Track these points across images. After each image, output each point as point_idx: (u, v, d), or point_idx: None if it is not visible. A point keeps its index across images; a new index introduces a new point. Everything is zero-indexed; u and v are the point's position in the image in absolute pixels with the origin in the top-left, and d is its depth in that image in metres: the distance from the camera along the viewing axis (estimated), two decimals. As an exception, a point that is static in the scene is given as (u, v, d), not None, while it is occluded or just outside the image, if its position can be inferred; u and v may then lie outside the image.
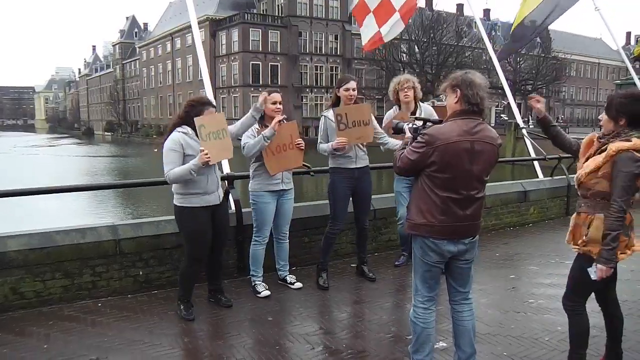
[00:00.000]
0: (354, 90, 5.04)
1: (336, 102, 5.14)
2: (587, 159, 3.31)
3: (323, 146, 5.14)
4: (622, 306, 4.66)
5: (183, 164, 4.19)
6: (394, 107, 5.71)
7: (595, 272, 3.14)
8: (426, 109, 5.55)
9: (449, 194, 3.05)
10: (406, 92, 5.47)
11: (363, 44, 9.27)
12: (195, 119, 4.21)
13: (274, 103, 4.83)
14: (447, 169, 3.02)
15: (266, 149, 4.76)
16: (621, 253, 3.19)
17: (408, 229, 3.24)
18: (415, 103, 5.59)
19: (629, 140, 3.09)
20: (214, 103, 4.60)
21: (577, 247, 3.31)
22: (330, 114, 5.11)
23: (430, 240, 3.11)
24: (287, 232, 5.20)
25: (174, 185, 4.35)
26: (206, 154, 4.11)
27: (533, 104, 3.63)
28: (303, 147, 5.00)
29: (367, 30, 8.90)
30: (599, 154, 3.20)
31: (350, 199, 5.28)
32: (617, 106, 3.19)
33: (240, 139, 4.79)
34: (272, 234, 5.15)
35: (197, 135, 4.21)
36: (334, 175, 5.19)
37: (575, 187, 3.38)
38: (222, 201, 4.52)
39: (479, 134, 3.04)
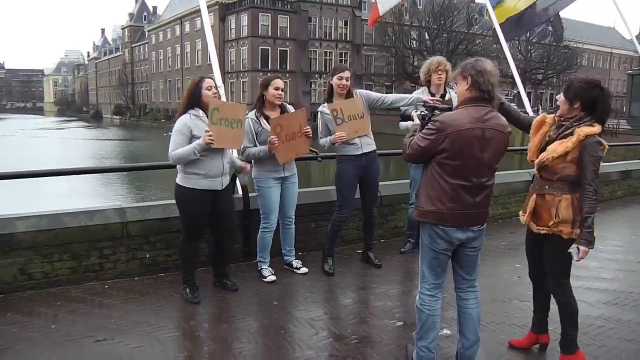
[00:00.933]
0: (347, 80, 4.99)
1: (331, 91, 5.12)
2: (543, 141, 3.40)
3: (322, 140, 5.17)
4: (628, 298, 4.68)
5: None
6: (422, 88, 5.63)
7: (577, 253, 3.21)
8: (453, 95, 5.49)
9: (459, 181, 3.04)
10: (440, 74, 5.44)
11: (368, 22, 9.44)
12: (211, 100, 4.22)
13: (277, 89, 4.83)
14: (458, 156, 3.02)
15: (277, 138, 4.74)
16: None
17: (417, 216, 3.25)
18: (445, 87, 5.57)
19: (593, 126, 3.20)
20: (222, 87, 4.60)
21: (547, 228, 3.37)
22: (325, 109, 5.08)
23: (440, 228, 3.11)
24: (293, 217, 5.21)
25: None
26: (210, 136, 4.12)
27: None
28: (311, 135, 4.98)
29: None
30: (562, 137, 3.27)
31: (358, 186, 5.27)
32: (575, 90, 3.26)
33: None
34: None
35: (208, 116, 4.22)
36: (340, 163, 5.18)
37: (535, 169, 3.42)
38: (225, 188, 4.48)
39: (490, 122, 3.04)
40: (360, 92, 5.18)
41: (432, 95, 5.36)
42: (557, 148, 3.25)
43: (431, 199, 3.12)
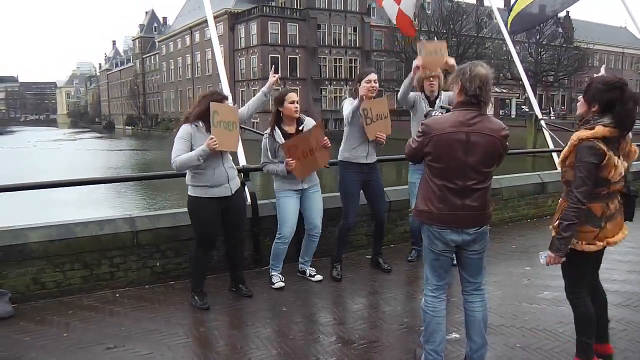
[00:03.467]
0: (375, 82, 5.06)
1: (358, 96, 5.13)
2: None
3: (348, 107, 5.07)
4: (631, 298, 4.64)
5: None
6: (418, 92, 5.59)
7: (545, 257, 3.16)
8: (448, 96, 5.46)
9: (444, 183, 3.09)
10: (431, 81, 5.42)
11: (394, 22, 8.93)
12: (211, 103, 4.26)
13: (292, 102, 4.86)
14: (440, 159, 3.08)
15: (293, 158, 4.76)
16: (589, 244, 3.16)
17: (414, 215, 3.33)
18: (438, 91, 5.53)
19: (592, 128, 3.02)
20: (229, 96, 4.64)
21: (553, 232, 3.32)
22: (277, 132, 4.94)
23: (434, 229, 3.16)
24: (321, 229, 5.15)
25: (186, 177, 4.44)
26: (214, 140, 4.16)
27: None
28: (329, 145, 4.98)
29: (390, 10, 8.71)
30: None
31: (363, 193, 5.30)
32: (593, 91, 3.11)
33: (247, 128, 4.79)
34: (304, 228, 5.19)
35: (207, 129, 4.27)
36: (343, 170, 5.20)
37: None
38: (235, 193, 4.53)
39: (476, 126, 3.05)
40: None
41: (427, 98, 5.42)
42: (563, 153, 3.22)
43: (424, 199, 3.18)
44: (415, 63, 4.95)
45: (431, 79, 5.40)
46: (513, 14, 10.48)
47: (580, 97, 3.26)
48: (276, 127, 4.93)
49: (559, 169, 3.29)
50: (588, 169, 3.00)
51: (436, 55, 5.06)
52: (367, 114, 4.98)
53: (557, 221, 3.13)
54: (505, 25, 10.37)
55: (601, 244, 3.20)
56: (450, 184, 3.08)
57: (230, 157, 4.59)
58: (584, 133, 3.03)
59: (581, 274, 3.32)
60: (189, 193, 4.45)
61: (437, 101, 5.42)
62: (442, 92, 5.54)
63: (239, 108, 4.71)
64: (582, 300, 3.36)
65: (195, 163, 4.25)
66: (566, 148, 3.15)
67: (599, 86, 3.08)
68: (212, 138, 4.19)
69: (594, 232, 3.16)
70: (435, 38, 53.64)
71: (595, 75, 3.26)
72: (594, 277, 3.49)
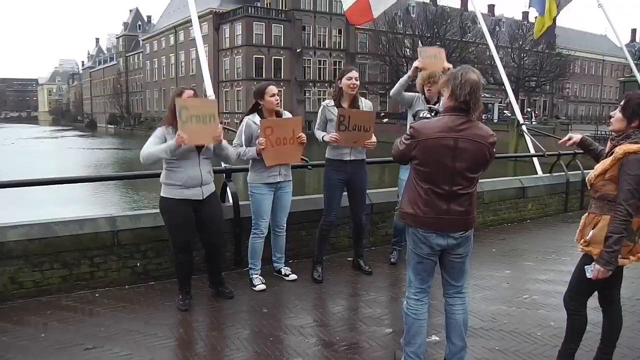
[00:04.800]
0: (356, 79, 5.10)
1: (339, 95, 5.16)
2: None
3: (318, 134, 5.23)
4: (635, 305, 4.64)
5: None
6: (419, 94, 5.61)
7: (591, 270, 3.14)
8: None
9: (431, 187, 3.09)
10: (429, 87, 5.43)
11: (344, 9, 8.54)
12: (175, 99, 4.19)
13: (272, 95, 4.90)
14: (427, 163, 3.08)
15: (266, 141, 4.78)
16: (623, 258, 3.17)
17: (398, 217, 3.33)
18: (439, 96, 5.46)
19: (638, 143, 3.07)
20: (211, 95, 4.62)
21: (581, 247, 3.31)
22: (331, 104, 5.17)
23: (420, 232, 3.16)
24: (285, 225, 5.24)
25: (161, 176, 4.39)
26: (181, 136, 4.07)
27: (568, 144, 3.59)
28: (304, 142, 5.01)
29: None
30: (609, 156, 3.19)
31: (346, 194, 5.31)
32: (635, 107, 3.14)
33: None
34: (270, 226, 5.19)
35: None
36: (328, 168, 5.24)
37: (588, 187, 3.36)
38: (208, 198, 4.44)
39: (465, 132, 3.05)
40: (368, 105, 5.35)
41: (427, 102, 5.44)
42: (599, 166, 3.21)
43: (410, 202, 3.18)
44: (414, 64, 5.23)
45: (429, 84, 5.41)
46: (541, 26, 10.71)
47: (615, 113, 3.27)
48: (256, 114, 4.94)
49: (590, 181, 3.26)
50: (637, 182, 3.03)
51: (435, 59, 5.26)
52: (342, 120, 4.98)
53: (607, 234, 3.07)
54: (492, 35, 10.60)
55: (633, 258, 3.21)
56: (436, 189, 3.08)
57: (211, 164, 4.52)
58: (631, 147, 3.06)
59: (592, 286, 3.31)
60: (161, 194, 4.39)
61: (438, 105, 5.44)
62: (442, 97, 5.53)
63: (215, 102, 4.67)
64: (579, 310, 3.40)
65: (163, 156, 4.18)
66: (607, 161, 3.15)
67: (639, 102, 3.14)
68: (179, 134, 4.08)
69: (628, 247, 3.17)
70: (420, 42, 54.13)
71: (632, 91, 3.27)
72: (616, 294, 3.45)
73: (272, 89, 4.94)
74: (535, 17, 11.45)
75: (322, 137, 5.14)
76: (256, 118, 4.92)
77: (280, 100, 4.96)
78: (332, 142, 5.05)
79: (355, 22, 9.52)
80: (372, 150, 5.26)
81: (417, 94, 5.60)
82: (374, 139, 5.15)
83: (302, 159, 5.37)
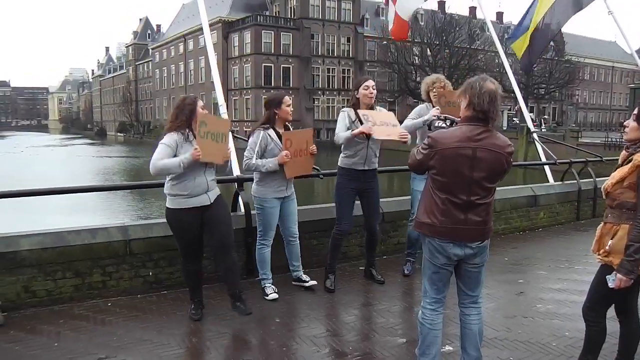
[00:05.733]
0: (373, 88, 5.09)
1: (357, 105, 5.12)
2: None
3: (342, 134, 5.01)
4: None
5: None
6: (425, 104, 5.59)
7: (613, 280, 3.11)
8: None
9: (448, 197, 3.08)
10: (435, 92, 5.41)
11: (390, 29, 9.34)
12: (199, 113, 4.22)
13: (289, 105, 4.94)
14: (445, 173, 3.07)
15: (288, 152, 4.79)
16: None
17: (415, 227, 3.32)
18: None
19: None
20: (224, 104, 4.63)
21: (599, 257, 3.27)
22: (352, 112, 5.09)
23: (437, 242, 3.14)
24: (297, 233, 5.21)
25: (165, 187, 4.34)
26: (198, 151, 4.10)
27: None
28: (315, 153, 5.05)
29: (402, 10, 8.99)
30: (627, 163, 3.16)
31: (359, 202, 5.29)
32: None
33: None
34: (281, 236, 5.17)
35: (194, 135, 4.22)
36: (340, 176, 5.21)
37: (603, 196, 3.33)
38: (215, 201, 4.38)
39: (483, 141, 3.04)
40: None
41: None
42: (616, 174, 3.19)
43: (427, 212, 3.17)
44: (433, 112, 5.15)
45: (434, 90, 5.41)
46: (519, 52, 10.66)
47: (629, 122, 3.25)
48: (270, 127, 4.92)
49: (607, 189, 3.22)
50: None
51: (453, 107, 4.99)
52: (367, 117, 4.88)
53: (628, 242, 3.04)
54: (501, 42, 10.60)
55: None
56: (454, 198, 3.07)
57: (214, 170, 4.49)
58: None
59: (612, 296, 3.27)
60: (167, 205, 4.34)
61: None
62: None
63: (230, 120, 4.68)
64: (598, 321, 3.36)
65: (176, 170, 4.13)
66: (625, 169, 3.13)
67: None
68: (196, 148, 4.11)
69: None
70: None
71: None
72: (633, 304, 3.40)
73: (288, 99, 4.98)
74: (511, 47, 11.36)
75: (353, 132, 4.91)
76: (270, 131, 4.89)
77: (291, 109, 4.99)
78: (357, 134, 4.86)
79: (398, 38, 11.18)
80: (381, 157, 5.23)
81: (422, 105, 5.57)
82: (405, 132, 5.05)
83: (313, 167, 5.38)
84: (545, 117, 59.69)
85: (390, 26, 9.41)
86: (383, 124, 4.94)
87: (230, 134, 4.61)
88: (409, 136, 5.05)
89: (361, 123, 4.91)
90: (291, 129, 5.12)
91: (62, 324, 4.33)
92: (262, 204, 4.98)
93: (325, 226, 5.72)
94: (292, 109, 5.00)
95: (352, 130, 4.94)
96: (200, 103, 4.34)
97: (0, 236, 4.60)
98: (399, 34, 9.94)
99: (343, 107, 5.34)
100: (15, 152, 55.19)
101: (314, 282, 5.23)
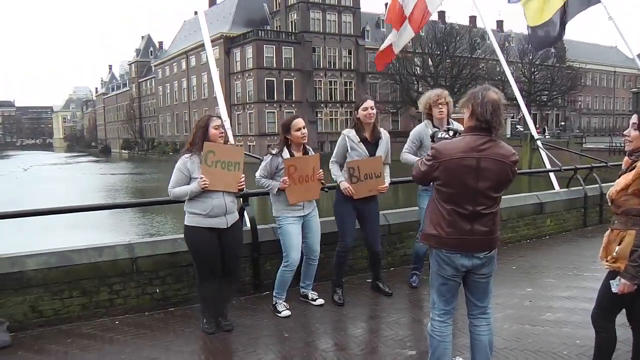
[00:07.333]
0: (372, 108, 5.05)
1: (358, 125, 5.11)
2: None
3: (334, 170, 5.19)
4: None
5: (189, 184, 4.32)
6: (425, 122, 5.50)
7: (617, 285, 3.09)
8: (458, 126, 5.34)
9: (454, 207, 3.07)
10: (440, 108, 5.25)
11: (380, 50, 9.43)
12: (205, 143, 4.28)
13: (298, 130, 4.84)
14: (449, 184, 3.06)
15: (290, 179, 4.78)
16: None
17: (422, 239, 3.31)
18: (448, 120, 5.35)
19: None
20: (227, 119, 4.64)
21: (607, 264, 3.26)
22: (352, 134, 5.08)
23: (444, 253, 3.13)
24: (319, 253, 5.15)
25: (185, 204, 4.42)
26: (204, 181, 4.19)
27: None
28: (322, 178, 5.02)
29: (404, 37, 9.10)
30: (630, 169, 3.17)
31: (357, 221, 5.26)
32: None
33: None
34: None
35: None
36: (339, 194, 5.20)
37: (609, 203, 3.33)
38: (231, 227, 4.45)
39: (487, 151, 3.03)
40: (386, 136, 5.26)
41: (435, 128, 5.29)
42: (620, 181, 3.19)
43: (433, 223, 3.16)
44: (348, 188, 5.09)
45: (440, 105, 5.25)
46: (535, 19, 10.52)
47: (629, 131, 3.26)
48: (285, 149, 4.90)
49: (612, 196, 3.23)
50: None
51: (371, 179, 5.09)
52: (353, 172, 4.99)
53: (633, 248, 3.03)
54: (500, 48, 10.55)
55: None
56: (459, 209, 3.06)
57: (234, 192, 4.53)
58: None
59: (620, 302, 3.25)
60: (185, 222, 4.41)
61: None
62: (451, 120, 5.40)
63: (242, 147, 4.66)
64: (607, 326, 3.33)
65: (188, 197, 4.32)
66: (629, 176, 3.13)
67: None
68: (202, 178, 4.21)
69: None
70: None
71: None
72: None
73: (298, 122, 4.87)
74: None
75: (338, 181, 5.11)
76: (285, 153, 4.87)
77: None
78: (345, 191, 5.04)
79: (380, 66, 10.66)
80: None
81: (421, 125, 5.49)
82: (386, 183, 5.19)
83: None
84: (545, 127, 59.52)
85: (381, 49, 9.47)
86: (367, 177, 5.05)
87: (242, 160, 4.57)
88: (387, 188, 5.21)
89: (364, 142, 5.04)
90: (310, 152, 5.09)
91: (69, 343, 4.32)
92: (281, 223, 4.96)
93: (330, 240, 5.69)
94: (304, 132, 4.85)
95: (340, 181, 5.11)
96: (213, 123, 4.38)
97: (6, 256, 4.60)
98: (383, 61, 10.03)
99: (346, 119, 5.34)
100: (16, 172, 55.39)
101: (321, 301, 5.19)
